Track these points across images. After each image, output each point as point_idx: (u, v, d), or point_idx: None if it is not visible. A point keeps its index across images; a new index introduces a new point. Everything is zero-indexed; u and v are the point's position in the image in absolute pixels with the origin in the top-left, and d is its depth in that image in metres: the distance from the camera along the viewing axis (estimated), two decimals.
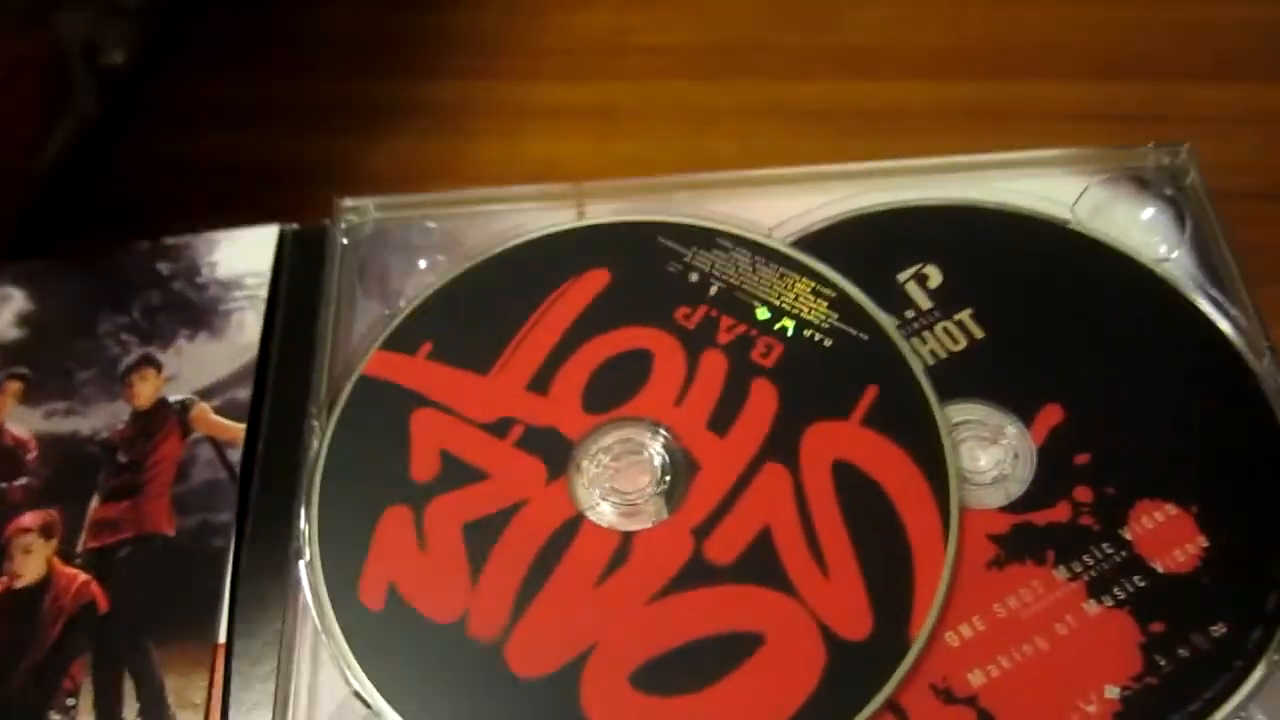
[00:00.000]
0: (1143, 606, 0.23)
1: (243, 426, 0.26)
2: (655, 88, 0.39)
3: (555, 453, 0.25)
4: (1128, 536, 0.24)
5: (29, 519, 0.26)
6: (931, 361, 0.26)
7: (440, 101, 0.40)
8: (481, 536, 0.24)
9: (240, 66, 0.42)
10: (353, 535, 0.24)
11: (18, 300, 0.29)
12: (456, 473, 0.25)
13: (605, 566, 0.23)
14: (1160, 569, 0.23)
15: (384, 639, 0.23)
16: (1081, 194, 0.29)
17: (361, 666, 0.23)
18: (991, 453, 0.25)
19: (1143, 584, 0.23)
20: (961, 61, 0.38)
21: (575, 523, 0.24)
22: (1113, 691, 0.22)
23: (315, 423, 0.25)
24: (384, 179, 0.38)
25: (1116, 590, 0.23)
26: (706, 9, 0.41)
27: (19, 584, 0.25)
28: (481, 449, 0.25)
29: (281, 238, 0.29)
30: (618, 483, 0.25)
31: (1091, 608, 0.23)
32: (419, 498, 0.24)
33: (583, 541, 0.24)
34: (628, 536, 0.24)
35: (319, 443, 0.25)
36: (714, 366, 0.26)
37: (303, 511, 0.24)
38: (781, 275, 0.27)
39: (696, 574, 0.23)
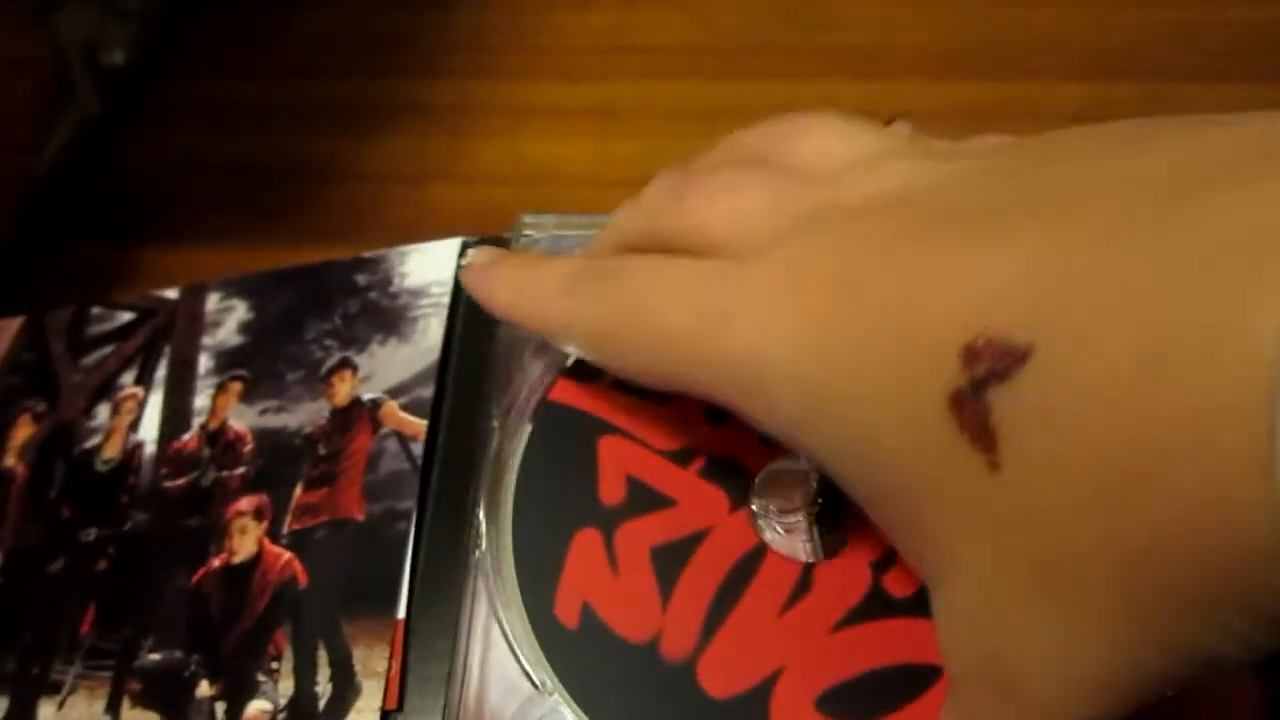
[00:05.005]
0: None
1: (425, 423, 0.29)
2: (655, 88, 0.39)
3: (736, 483, 0.25)
4: None
5: (245, 503, 0.28)
6: None
7: (440, 101, 0.40)
8: (670, 561, 0.25)
9: (240, 66, 0.42)
10: (547, 555, 0.25)
11: (240, 310, 0.32)
12: (644, 498, 0.25)
13: (789, 595, 0.24)
14: None
15: (580, 656, 0.24)
16: None
17: (561, 681, 0.24)
18: None
19: None
20: (961, 61, 0.38)
21: (759, 551, 0.25)
22: None
23: (495, 423, 0.27)
24: (383, 179, 0.38)
25: None
26: (706, 9, 0.41)
27: (236, 560, 0.28)
28: (666, 476, 0.26)
29: (463, 249, 0.31)
30: (772, 498, 0.25)
31: None
32: (609, 521, 0.25)
33: (766, 571, 0.24)
34: (809, 568, 0.24)
35: (496, 441, 0.26)
36: None
37: (482, 503, 0.26)
38: None
39: (876, 606, 0.24)
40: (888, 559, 0.24)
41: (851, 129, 0.23)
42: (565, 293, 0.24)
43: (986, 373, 0.16)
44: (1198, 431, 0.14)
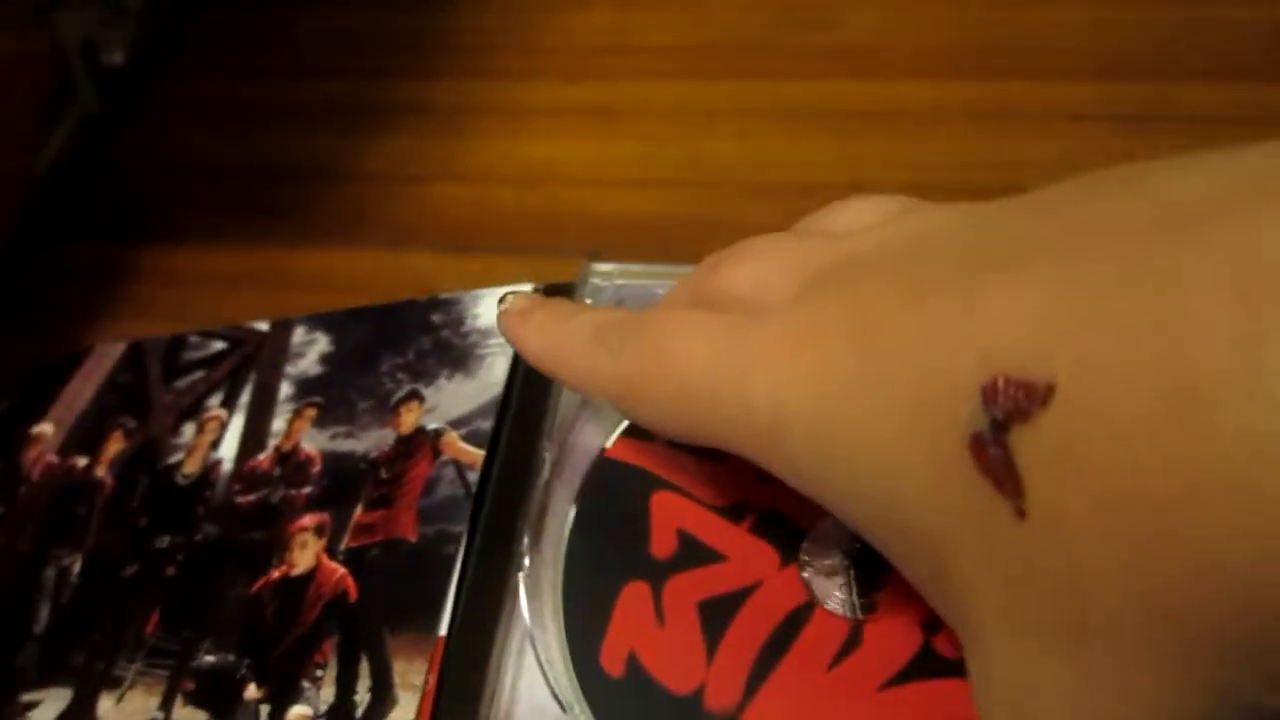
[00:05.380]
0: None
1: (482, 452, 0.30)
2: (655, 88, 0.39)
3: (787, 539, 0.25)
4: None
5: (308, 520, 0.30)
6: None
7: (440, 101, 0.40)
8: (717, 614, 0.25)
9: (240, 66, 0.42)
10: (595, 606, 0.25)
11: (323, 343, 0.34)
12: (694, 553, 0.25)
13: (836, 652, 0.24)
14: None
15: (625, 705, 0.24)
16: None
17: None
18: None
19: None
20: (961, 61, 0.38)
21: (808, 608, 0.24)
22: None
23: (546, 454, 0.27)
24: (384, 179, 0.38)
25: None
26: (706, 9, 0.41)
27: (294, 572, 0.29)
28: (718, 531, 0.26)
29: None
30: (815, 544, 0.25)
31: None
32: (658, 574, 0.25)
33: (814, 627, 0.24)
34: (858, 625, 0.24)
35: (547, 472, 0.27)
36: None
37: (527, 529, 0.26)
38: None
39: (926, 666, 0.23)
40: (940, 619, 0.24)
41: (882, 198, 0.23)
42: (592, 343, 0.24)
43: (1007, 412, 0.15)
44: (1235, 466, 0.13)
